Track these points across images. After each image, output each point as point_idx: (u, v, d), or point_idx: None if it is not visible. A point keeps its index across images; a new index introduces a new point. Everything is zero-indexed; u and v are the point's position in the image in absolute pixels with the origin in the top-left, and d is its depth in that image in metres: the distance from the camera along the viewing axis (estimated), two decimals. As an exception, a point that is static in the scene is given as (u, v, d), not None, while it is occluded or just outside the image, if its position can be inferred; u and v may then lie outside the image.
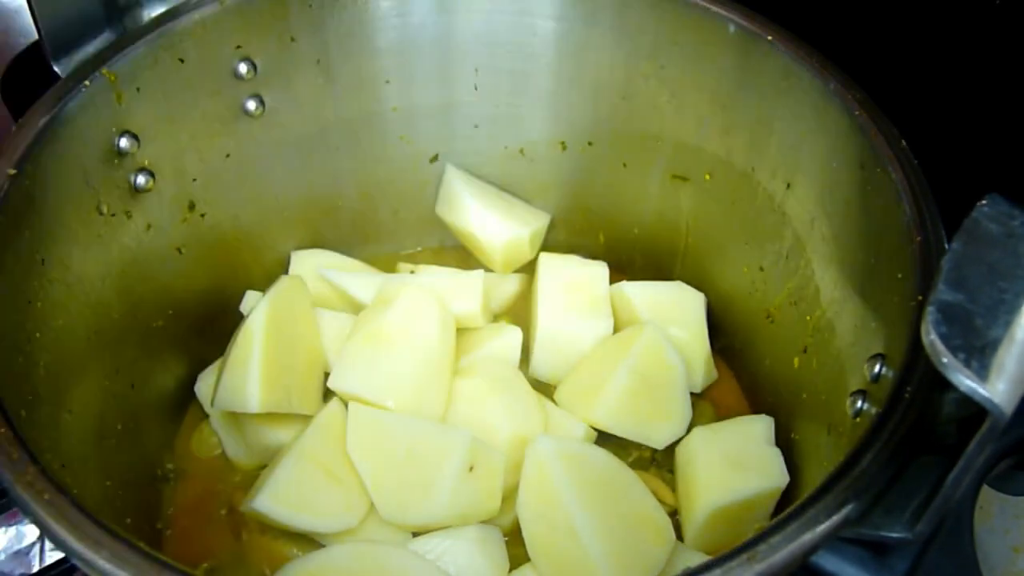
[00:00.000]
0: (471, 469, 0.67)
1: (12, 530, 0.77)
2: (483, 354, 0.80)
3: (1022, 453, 0.55)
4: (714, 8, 0.71)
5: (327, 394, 0.77)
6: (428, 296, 0.77)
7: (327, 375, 0.76)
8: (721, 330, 0.86)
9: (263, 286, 0.84)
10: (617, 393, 0.76)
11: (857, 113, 0.64)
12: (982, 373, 0.39)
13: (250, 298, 0.83)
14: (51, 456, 0.54)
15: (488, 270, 0.88)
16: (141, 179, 0.70)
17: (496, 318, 0.87)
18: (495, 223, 0.87)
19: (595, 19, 0.77)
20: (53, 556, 0.77)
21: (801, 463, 0.71)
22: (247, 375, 0.70)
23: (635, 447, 0.78)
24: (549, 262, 0.87)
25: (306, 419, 0.74)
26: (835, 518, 0.46)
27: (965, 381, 0.39)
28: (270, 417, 0.72)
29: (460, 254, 0.93)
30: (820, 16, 0.74)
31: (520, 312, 0.89)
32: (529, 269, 0.91)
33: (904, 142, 0.62)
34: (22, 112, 0.62)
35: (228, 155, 0.77)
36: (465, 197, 0.88)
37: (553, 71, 0.82)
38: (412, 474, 0.67)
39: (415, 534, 0.69)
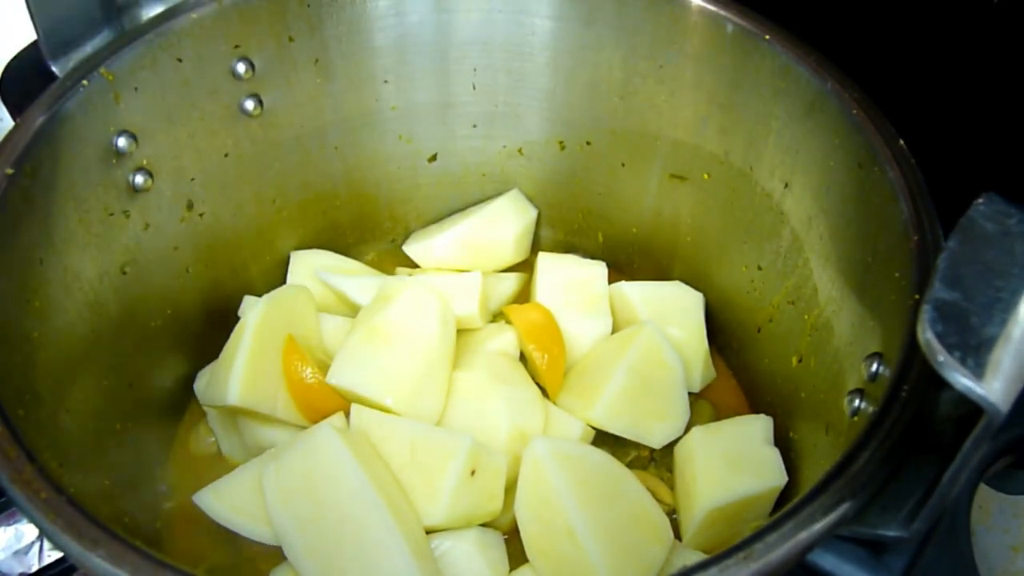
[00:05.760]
0: (473, 473, 0.67)
1: (11, 529, 0.77)
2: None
3: (1019, 451, 0.55)
4: (712, 8, 0.71)
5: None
6: (429, 293, 0.77)
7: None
8: (719, 329, 0.86)
9: (261, 286, 0.84)
10: (615, 392, 0.76)
11: (854, 112, 0.64)
12: (978, 371, 0.39)
13: (248, 303, 0.83)
14: (49, 455, 0.54)
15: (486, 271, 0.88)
16: (139, 179, 0.70)
17: (495, 318, 0.87)
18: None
19: (593, 18, 0.77)
20: (52, 555, 0.77)
21: (799, 462, 0.71)
22: (231, 368, 0.70)
23: (633, 446, 0.78)
24: (548, 262, 0.87)
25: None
26: (832, 516, 0.46)
27: (961, 379, 0.39)
28: (267, 417, 0.72)
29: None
30: (818, 16, 0.74)
31: (519, 312, 0.89)
32: (527, 269, 0.91)
33: (901, 141, 0.62)
34: (20, 112, 0.62)
35: (226, 155, 0.77)
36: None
37: (551, 70, 0.82)
38: (414, 478, 0.67)
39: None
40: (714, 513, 0.69)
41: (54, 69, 0.69)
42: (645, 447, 0.77)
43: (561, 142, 0.87)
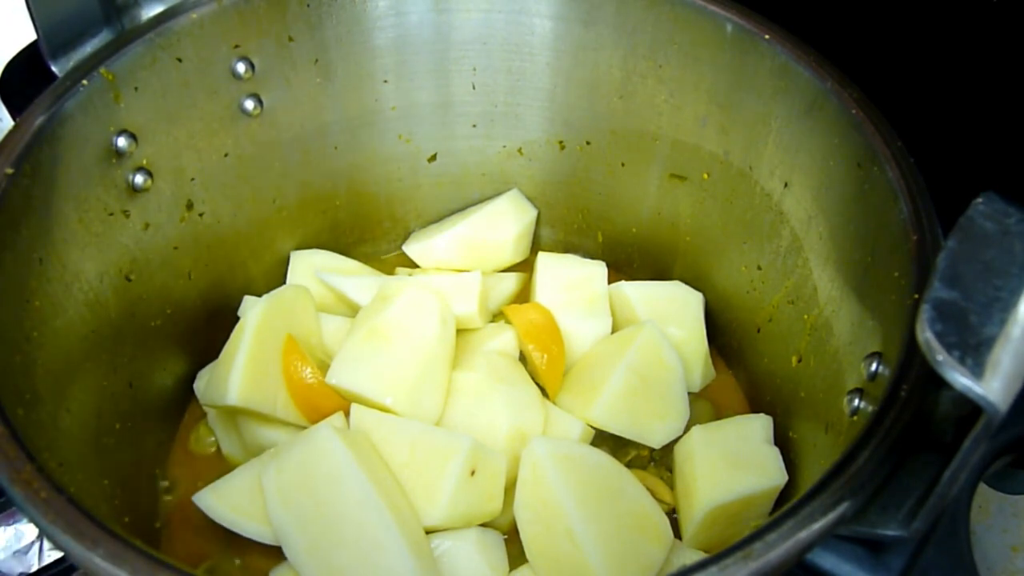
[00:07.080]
0: (472, 473, 0.67)
1: (11, 529, 0.77)
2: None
3: (1019, 451, 0.55)
4: (711, 7, 0.71)
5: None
6: (429, 293, 0.77)
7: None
8: (719, 329, 0.86)
9: (261, 286, 0.84)
10: (615, 392, 0.76)
11: (854, 111, 0.64)
12: (977, 371, 0.39)
13: (248, 303, 0.83)
14: (49, 455, 0.54)
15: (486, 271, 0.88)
16: (139, 178, 0.70)
17: (495, 318, 0.87)
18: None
19: (593, 18, 0.77)
20: (52, 555, 0.77)
21: (799, 461, 0.71)
22: (231, 368, 0.70)
23: (633, 446, 0.78)
24: (547, 261, 0.87)
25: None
26: (831, 516, 0.46)
27: (960, 379, 0.39)
28: (267, 417, 0.72)
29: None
30: (817, 15, 0.74)
31: (519, 312, 0.89)
32: (527, 269, 0.91)
33: (900, 141, 0.62)
34: (20, 112, 0.62)
35: (226, 155, 0.77)
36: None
37: (551, 70, 0.82)
38: (413, 478, 0.67)
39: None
40: (714, 512, 0.69)
41: (54, 69, 0.69)
42: (645, 447, 0.77)
43: (561, 142, 0.87)
